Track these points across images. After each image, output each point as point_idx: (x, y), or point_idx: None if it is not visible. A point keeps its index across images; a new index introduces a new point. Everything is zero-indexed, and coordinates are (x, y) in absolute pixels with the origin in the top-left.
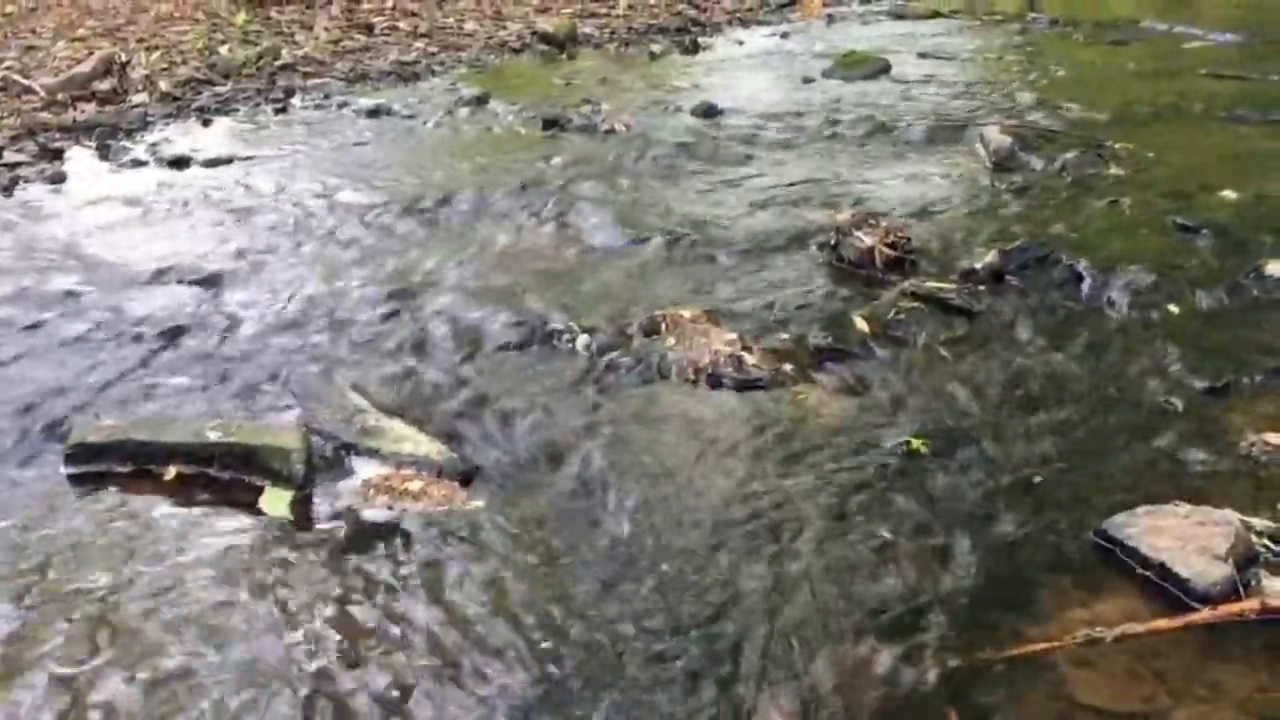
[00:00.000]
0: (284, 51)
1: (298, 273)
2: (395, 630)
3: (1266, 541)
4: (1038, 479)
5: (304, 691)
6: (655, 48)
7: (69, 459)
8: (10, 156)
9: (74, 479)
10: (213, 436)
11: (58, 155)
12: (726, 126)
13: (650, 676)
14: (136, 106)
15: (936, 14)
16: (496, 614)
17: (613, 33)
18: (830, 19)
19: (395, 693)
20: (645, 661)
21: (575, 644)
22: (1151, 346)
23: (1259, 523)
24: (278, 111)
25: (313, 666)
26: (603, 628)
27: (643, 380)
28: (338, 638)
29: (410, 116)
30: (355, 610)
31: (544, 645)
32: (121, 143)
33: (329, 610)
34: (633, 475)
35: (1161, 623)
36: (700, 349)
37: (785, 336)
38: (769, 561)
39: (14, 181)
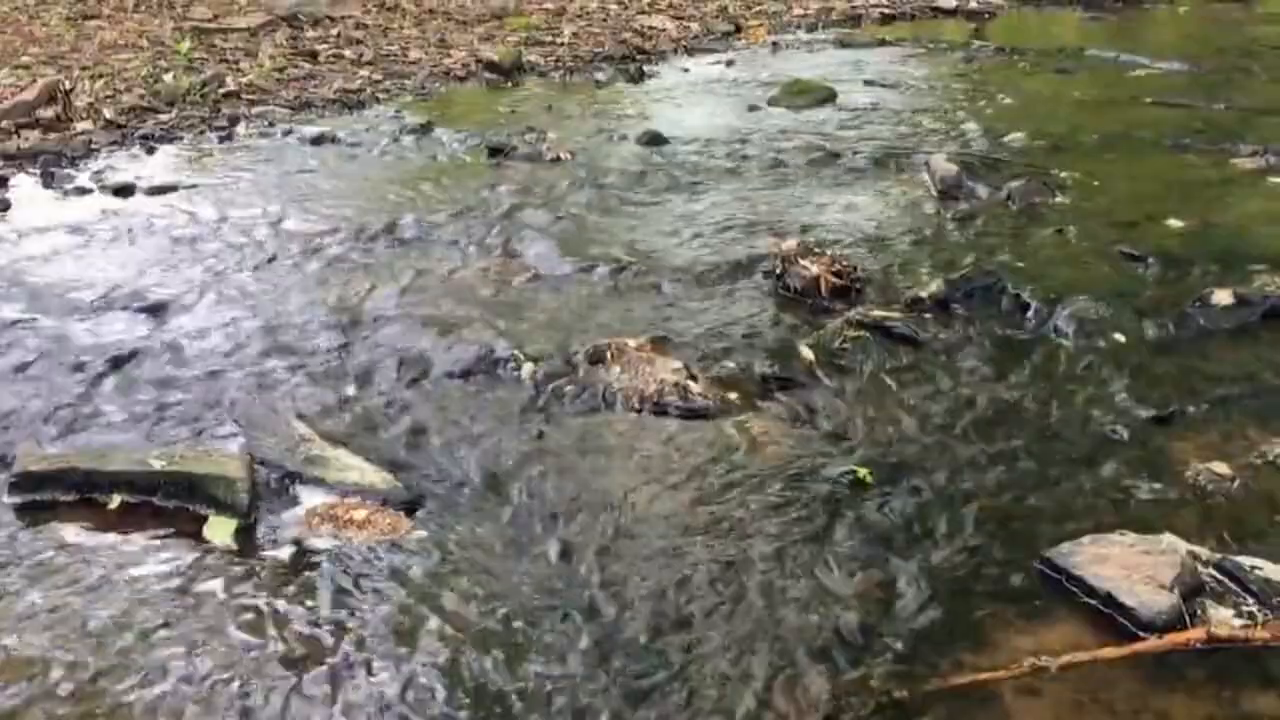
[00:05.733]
0: (228, 79)
1: (242, 301)
2: (336, 661)
3: (1212, 570)
4: (983, 508)
5: None
6: (601, 76)
7: (12, 488)
8: None
9: (17, 508)
10: (157, 465)
11: (1, 183)
12: (672, 155)
13: (582, 712)
14: (80, 134)
15: (883, 42)
16: (438, 646)
17: (558, 61)
18: (775, 47)
19: None
20: (582, 693)
21: (514, 676)
22: (1097, 375)
23: (1204, 552)
24: (222, 139)
25: (251, 699)
26: (540, 657)
27: (588, 409)
28: (279, 667)
29: (355, 144)
30: (297, 640)
31: (482, 675)
32: (66, 170)
33: (271, 640)
34: (577, 504)
35: (1107, 652)
36: (646, 378)
37: (731, 365)
38: (711, 592)
39: None
